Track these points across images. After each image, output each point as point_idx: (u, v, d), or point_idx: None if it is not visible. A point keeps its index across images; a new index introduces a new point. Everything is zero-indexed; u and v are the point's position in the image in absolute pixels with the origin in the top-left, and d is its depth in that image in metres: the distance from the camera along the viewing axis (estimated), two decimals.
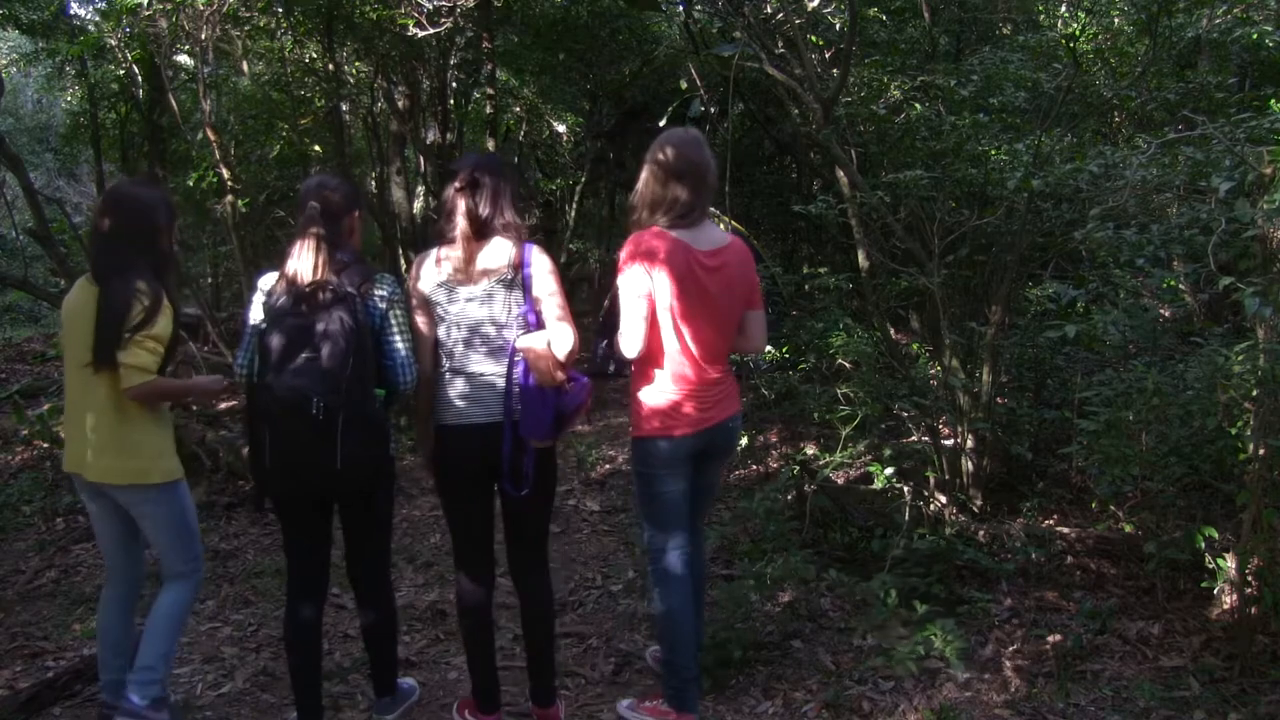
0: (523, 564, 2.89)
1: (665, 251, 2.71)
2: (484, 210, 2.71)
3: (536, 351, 2.66)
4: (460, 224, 2.70)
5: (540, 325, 2.72)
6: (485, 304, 2.72)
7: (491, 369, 2.73)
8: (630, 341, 2.73)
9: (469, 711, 2.98)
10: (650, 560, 2.94)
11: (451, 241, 2.73)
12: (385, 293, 2.74)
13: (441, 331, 2.77)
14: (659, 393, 2.80)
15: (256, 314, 2.73)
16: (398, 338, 2.75)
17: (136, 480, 2.79)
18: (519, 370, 2.69)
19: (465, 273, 2.72)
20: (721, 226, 3.47)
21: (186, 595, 2.98)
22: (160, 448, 2.84)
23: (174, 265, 3.08)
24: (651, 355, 2.78)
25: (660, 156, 2.76)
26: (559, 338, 2.67)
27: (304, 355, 2.58)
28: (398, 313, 2.75)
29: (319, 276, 2.64)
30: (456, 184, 2.72)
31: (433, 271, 2.75)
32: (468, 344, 2.74)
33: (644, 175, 2.81)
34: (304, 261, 2.66)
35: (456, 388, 2.75)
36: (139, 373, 2.69)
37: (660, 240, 2.73)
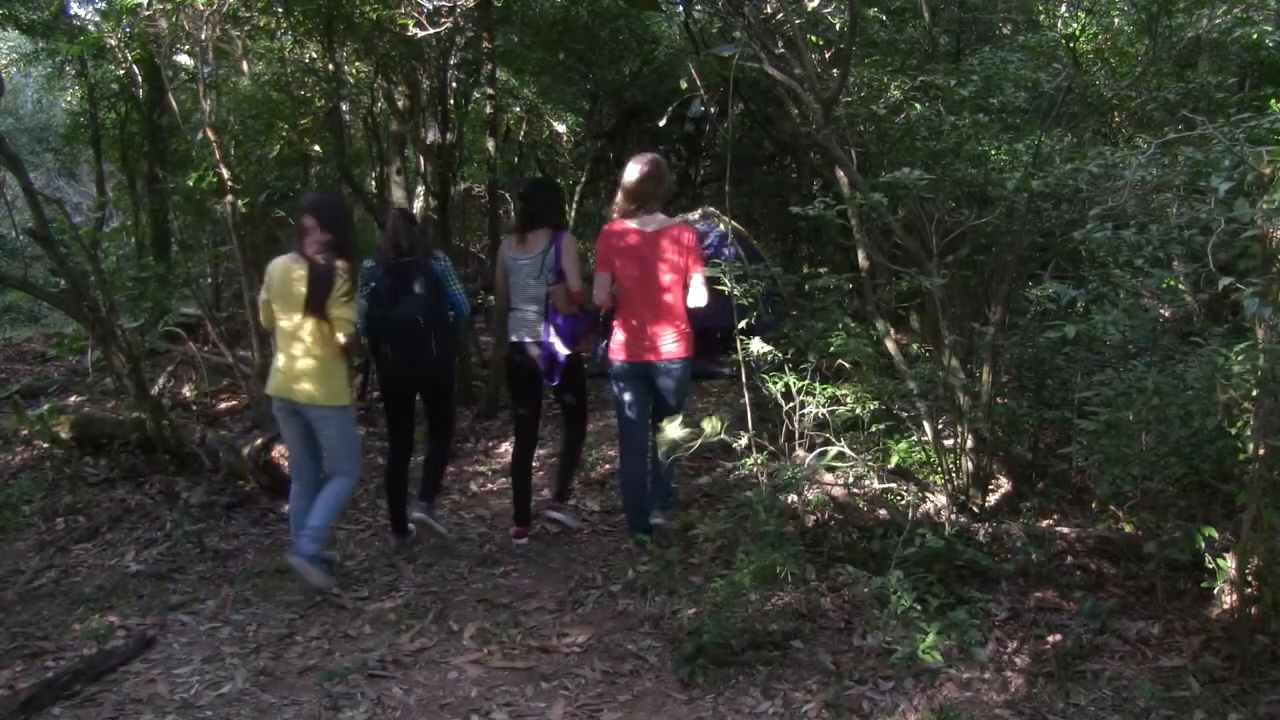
0: (567, 419, 4.80)
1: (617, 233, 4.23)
2: (531, 213, 4.51)
3: (559, 294, 4.27)
4: (516, 221, 4.74)
5: (561, 280, 4.31)
6: (531, 270, 4.39)
7: (535, 307, 4.41)
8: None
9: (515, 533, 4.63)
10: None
11: (517, 230, 4.53)
12: (441, 260, 4.44)
13: (510, 283, 4.48)
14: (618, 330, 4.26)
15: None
16: (454, 284, 4.42)
17: (329, 402, 4.02)
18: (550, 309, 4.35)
19: (521, 249, 4.44)
20: (721, 227, 4.13)
21: (346, 487, 4.17)
22: (344, 380, 4.10)
23: (356, 251, 4.27)
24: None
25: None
26: (572, 284, 4.30)
27: (406, 295, 4.25)
28: (451, 271, 4.46)
29: (405, 251, 4.32)
30: (521, 198, 4.82)
31: (508, 247, 4.53)
32: (522, 291, 4.44)
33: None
34: (391, 243, 4.34)
35: (516, 319, 4.47)
36: (349, 324, 3.99)
37: (613, 229, 4.25)
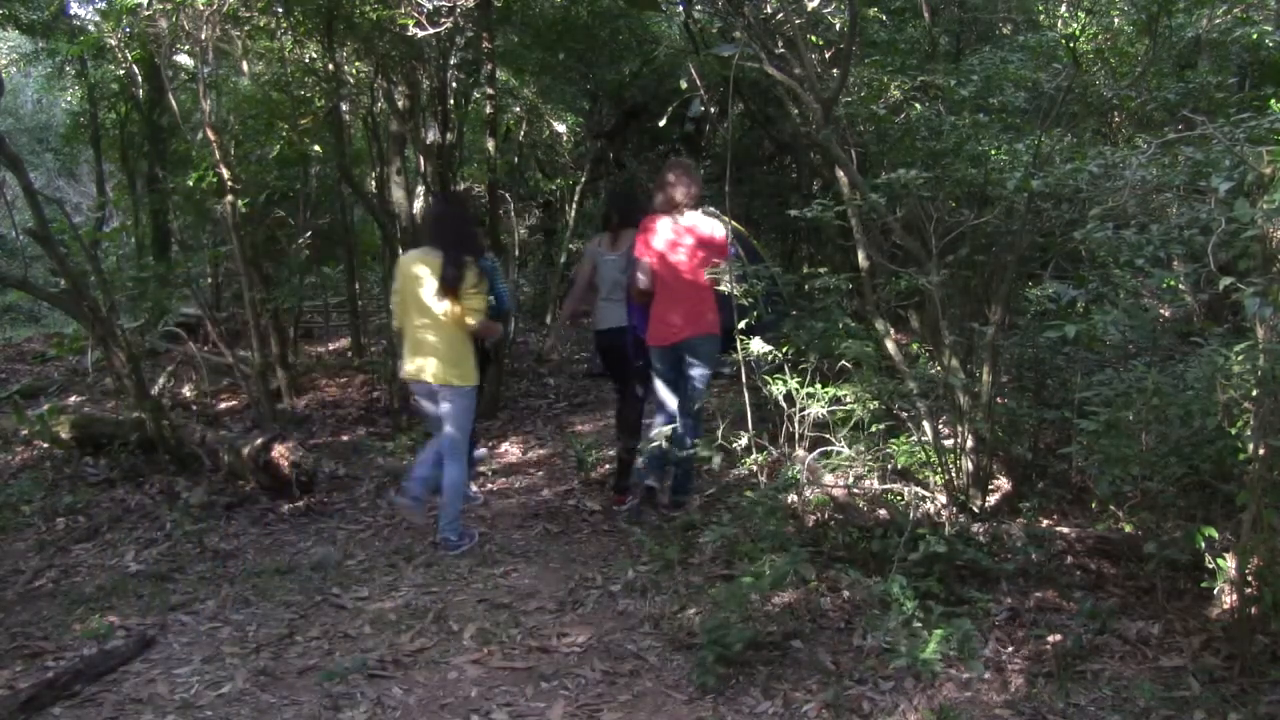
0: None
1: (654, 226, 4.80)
2: (614, 221, 5.18)
3: (634, 288, 4.85)
4: (604, 224, 5.32)
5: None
6: (618, 265, 5.02)
7: (619, 296, 5.03)
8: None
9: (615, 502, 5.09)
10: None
11: (608, 232, 5.18)
12: (490, 260, 4.83)
13: (598, 278, 5.12)
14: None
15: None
16: (500, 283, 4.90)
17: (458, 382, 4.45)
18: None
19: (611, 249, 5.11)
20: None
21: (460, 471, 4.56)
22: (472, 364, 4.52)
23: (480, 248, 4.71)
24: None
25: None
26: (644, 280, 4.78)
27: None
28: (499, 270, 5.00)
29: None
30: (609, 204, 5.70)
31: (598, 244, 5.20)
32: (611, 285, 5.07)
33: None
34: None
35: (605, 309, 5.11)
36: (478, 313, 4.44)
37: (651, 220, 4.82)
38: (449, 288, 4.35)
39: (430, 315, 4.42)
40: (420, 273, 4.43)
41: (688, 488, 4.94)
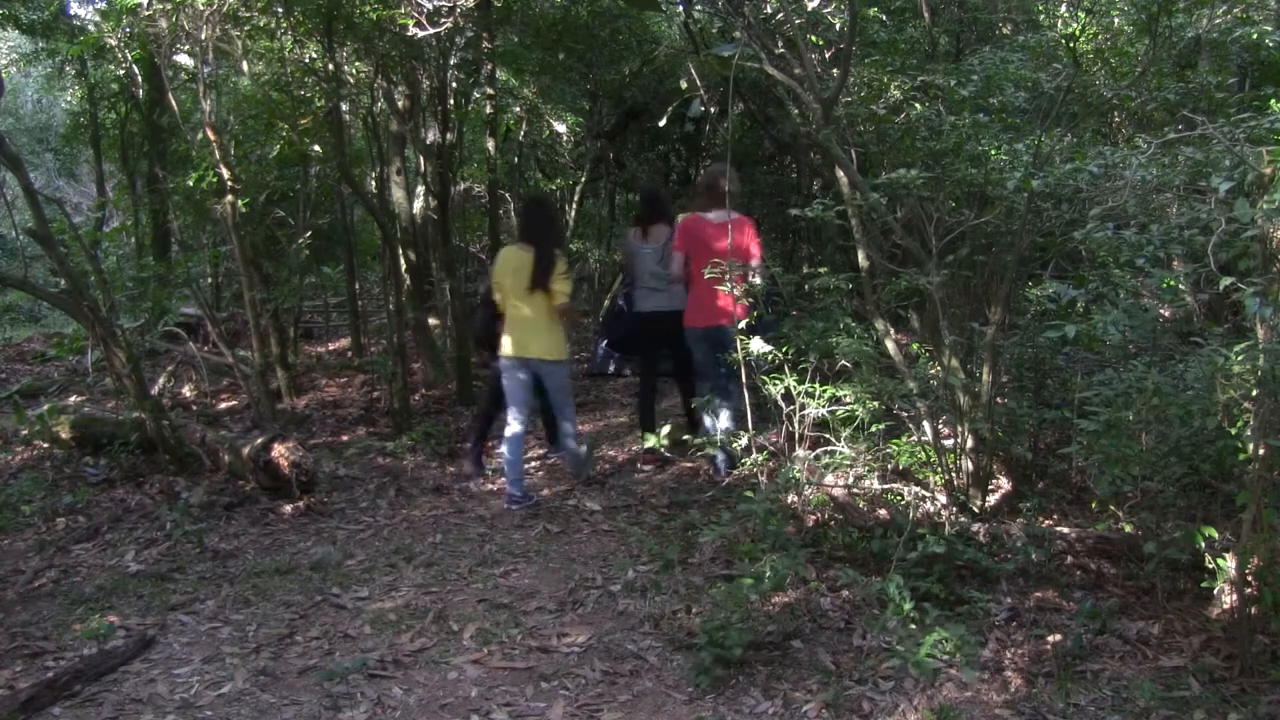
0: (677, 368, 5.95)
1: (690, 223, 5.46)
2: (652, 212, 5.85)
3: (672, 275, 5.48)
4: (638, 218, 6.02)
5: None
6: (654, 255, 5.68)
7: (655, 284, 5.67)
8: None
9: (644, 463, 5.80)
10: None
11: (640, 224, 5.87)
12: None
13: (635, 267, 5.81)
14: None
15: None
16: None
17: (553, 356, 5.16)
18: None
19: (644, 240, 5.76)
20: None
21: (573, 424, 5.38)
22: (563, 339, 5.22)
23: (564, 240, 5.11)
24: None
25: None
26: (676, 268, 5.47)
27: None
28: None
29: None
30: (643, 201, 6.21)
31: (634, 236, 5.86)
32: (648, 273, 5.71)
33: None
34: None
35: (644, 294, 5.75)
36: (564, 295, 5.12)
37: (689, 219, 5.47)
38: (542, 276, 5.04)
39: (527, 300, 5.10)
40: (518, 264, 5.11)
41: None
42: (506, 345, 5.19)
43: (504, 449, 5.26)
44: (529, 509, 5.08)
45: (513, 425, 5.24)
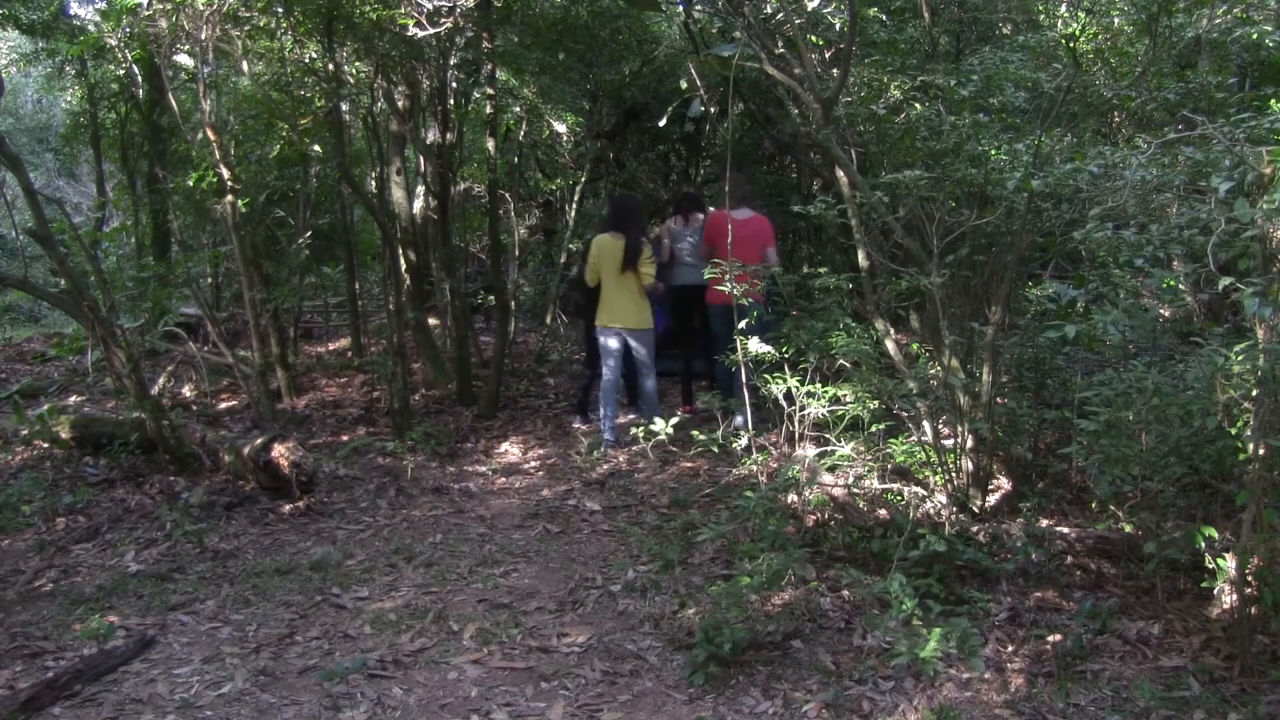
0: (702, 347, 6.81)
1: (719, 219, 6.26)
2: (688, 205, 6.90)
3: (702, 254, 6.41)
4: (675, 209, 7.09)
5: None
6: (691, 237, 6.70)
7: (694, 262, 6.58)
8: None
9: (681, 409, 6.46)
10: None
11: (680, 214, 6.87)
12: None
13: (676, 248, 6.73)
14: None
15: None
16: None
17: (643, 326, 6.24)
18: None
19: (684, 224, 6.77)
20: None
21: (654, 382, 6.38)
22: (649, 312, 6.29)
23: (645, 229, 6.75)
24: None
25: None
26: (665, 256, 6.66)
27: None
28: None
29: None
30: (680, 196, 7.35)
31: (675, 223, 6.84)
32: (687, 253, 6.70)
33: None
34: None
35: (682, 271, 6.70)
36: (650, 276, 6.17)
37: (718, 215, 6.32)
38: (631, 260, 6.10)
39: (619, 279, 6.16)
40: (612, 250, 6.16)
41: (730, 388, 5.85)
42: (603, 316, 6.27)
43: (600, 399, 6.38)
44: (613, 446, 6.15)
45: (607, 377, 6.31)
